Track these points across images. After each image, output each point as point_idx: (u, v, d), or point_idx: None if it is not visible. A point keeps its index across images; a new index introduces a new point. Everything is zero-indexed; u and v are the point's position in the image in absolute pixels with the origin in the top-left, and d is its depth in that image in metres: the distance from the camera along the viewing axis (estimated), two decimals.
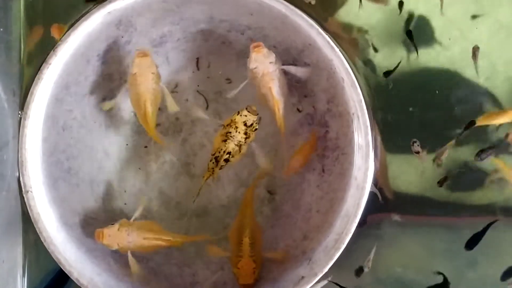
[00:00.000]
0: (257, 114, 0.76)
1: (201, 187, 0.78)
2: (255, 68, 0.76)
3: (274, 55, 0.76)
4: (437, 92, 0.81)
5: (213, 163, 0.76)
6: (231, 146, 0.76)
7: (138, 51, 0.76)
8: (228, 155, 0.76)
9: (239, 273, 0.77)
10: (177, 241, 0.79)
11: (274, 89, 0.76)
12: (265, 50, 0.75)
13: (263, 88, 0.76)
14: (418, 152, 0.79)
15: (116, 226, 0.76)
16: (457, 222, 0.82)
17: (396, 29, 0.81)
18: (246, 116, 0.76)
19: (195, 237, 0.81)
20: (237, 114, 0.76)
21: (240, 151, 0.76)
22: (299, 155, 0.80)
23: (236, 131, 0.75)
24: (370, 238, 0.82)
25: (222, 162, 0.76)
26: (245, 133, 0.76)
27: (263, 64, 0.75)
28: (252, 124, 0.76)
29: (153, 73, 0.76)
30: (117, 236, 0.76)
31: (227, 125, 0.76)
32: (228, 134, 0.76)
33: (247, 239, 0.77)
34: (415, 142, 0.80)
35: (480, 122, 0.81)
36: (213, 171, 0.76)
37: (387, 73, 0.81)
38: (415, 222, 0.82)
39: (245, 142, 0.76)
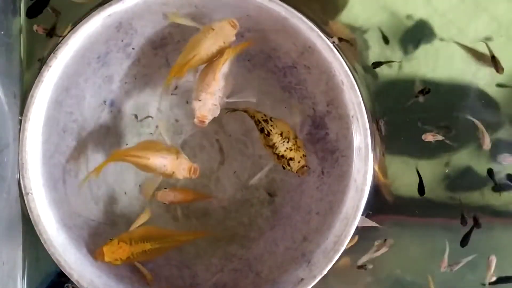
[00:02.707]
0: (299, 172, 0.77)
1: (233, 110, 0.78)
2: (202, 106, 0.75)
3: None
4: (436, 94, 0.82)
5: (262, 121, 0.77)
6: (279, 141, 0.76)
7: (232, 21, 0.74)
8: (273, 129, 0.76)
9: (111, 245, 0.76)
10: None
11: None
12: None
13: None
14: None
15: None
16: (456, 223, 0.82)
17: (395, 32, 0.82)
18: (298, 163, 0.77)
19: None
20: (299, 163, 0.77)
21: (273, 147, 0.76)
22: (179, 191, 0.81)
23: (295, 149, 0.76)
24: (369, 239, 0.82)
25: (263, 123, 0.76)
26: (289, 154, 0.76)
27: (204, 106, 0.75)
28: (300, 164, 0.77)
29: (224, 43, 0.75)
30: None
31: (299, 142, 0.77)
32: (296, 144, 0.77)
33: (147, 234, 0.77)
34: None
35: None
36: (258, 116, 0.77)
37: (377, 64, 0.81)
38: (414, 223, 0.82)
39: (278, 151, 0.76)
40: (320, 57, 0.75)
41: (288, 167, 0.76)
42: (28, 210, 0.75)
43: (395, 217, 0.82)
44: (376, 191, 0.81)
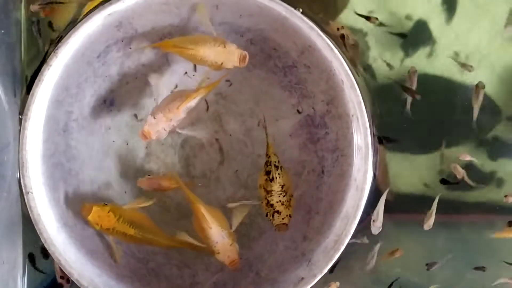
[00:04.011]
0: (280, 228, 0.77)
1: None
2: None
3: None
4: (436, 94, 0.82)
5: (274, 166, 0.77)
6: (277, 190, 0.76)
7: (244, 56, 0.74)
8: (278, 178, 0.76)
9: (102, 209, 0.76)
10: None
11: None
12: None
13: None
14: None
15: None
16: (456, 221, 0.83)
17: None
18: (282, 219, 0.76)
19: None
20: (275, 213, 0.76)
21: (269, 193, 0.76)
22: (158, 179, 0.81)
23: (286, 205, 0.76)
24: (369, 239, 0.82)
25: (273, 167, 0.77)
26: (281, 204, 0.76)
27: (155, 126, 0.75)
28: (283, 221, 0.76)
29: (221, 64, 0.75)
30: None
31: (293, 201, 0.77)
32: (289, 202, 0.77)
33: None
34: None
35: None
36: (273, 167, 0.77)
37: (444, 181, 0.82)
38: (415, 222, 0.83)
39: (271, 199, 0.76)
40: (320, 56, 0.75)
41: (271, 218, 0.76)
42: (28, 209, 0.75)
43: (395, 215, 0.82)
44: (377, 190, 0.81)
